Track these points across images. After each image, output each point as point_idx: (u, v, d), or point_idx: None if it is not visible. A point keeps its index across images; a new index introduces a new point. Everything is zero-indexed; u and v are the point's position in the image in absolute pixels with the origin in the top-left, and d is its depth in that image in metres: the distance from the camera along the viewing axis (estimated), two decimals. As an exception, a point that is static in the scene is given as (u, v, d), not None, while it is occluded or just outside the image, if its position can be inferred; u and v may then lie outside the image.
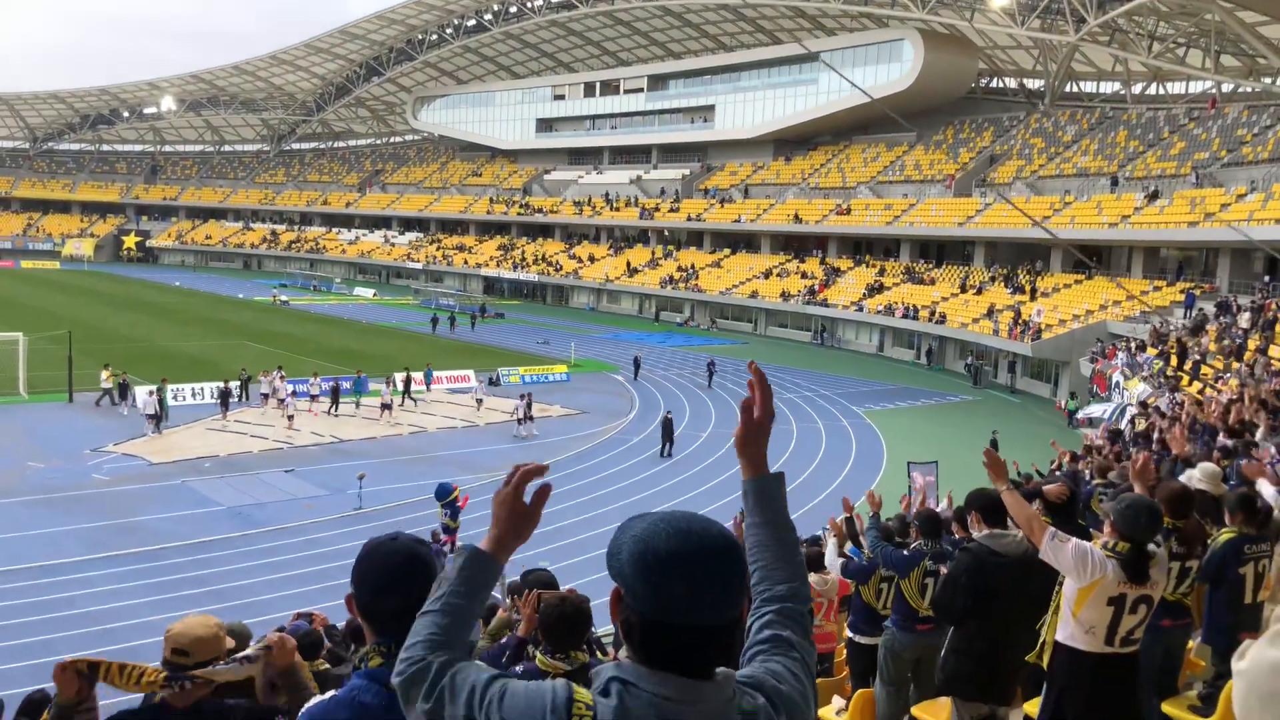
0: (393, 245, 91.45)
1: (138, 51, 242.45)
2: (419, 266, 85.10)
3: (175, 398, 33.15)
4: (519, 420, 31.66)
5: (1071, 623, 4.52)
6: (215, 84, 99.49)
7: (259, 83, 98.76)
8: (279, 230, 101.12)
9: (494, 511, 1.96)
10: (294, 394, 32.29)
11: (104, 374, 33.56)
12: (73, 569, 18.56)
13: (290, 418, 31.07)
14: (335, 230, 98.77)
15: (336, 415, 33.15)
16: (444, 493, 19.85)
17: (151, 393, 30.08)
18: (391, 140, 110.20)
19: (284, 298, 70.67)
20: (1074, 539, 4.52)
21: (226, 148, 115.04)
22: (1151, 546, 4.55)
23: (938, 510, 13.74)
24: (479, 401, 35.37)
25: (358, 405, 34.32)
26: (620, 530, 1.72)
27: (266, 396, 33.12)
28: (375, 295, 77.48)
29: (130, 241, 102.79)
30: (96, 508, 22.30)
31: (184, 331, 51.05)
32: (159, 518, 21.86)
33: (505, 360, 44.98)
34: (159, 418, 29.69)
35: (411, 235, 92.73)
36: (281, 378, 32.94)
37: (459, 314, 61.92)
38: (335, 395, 33.82)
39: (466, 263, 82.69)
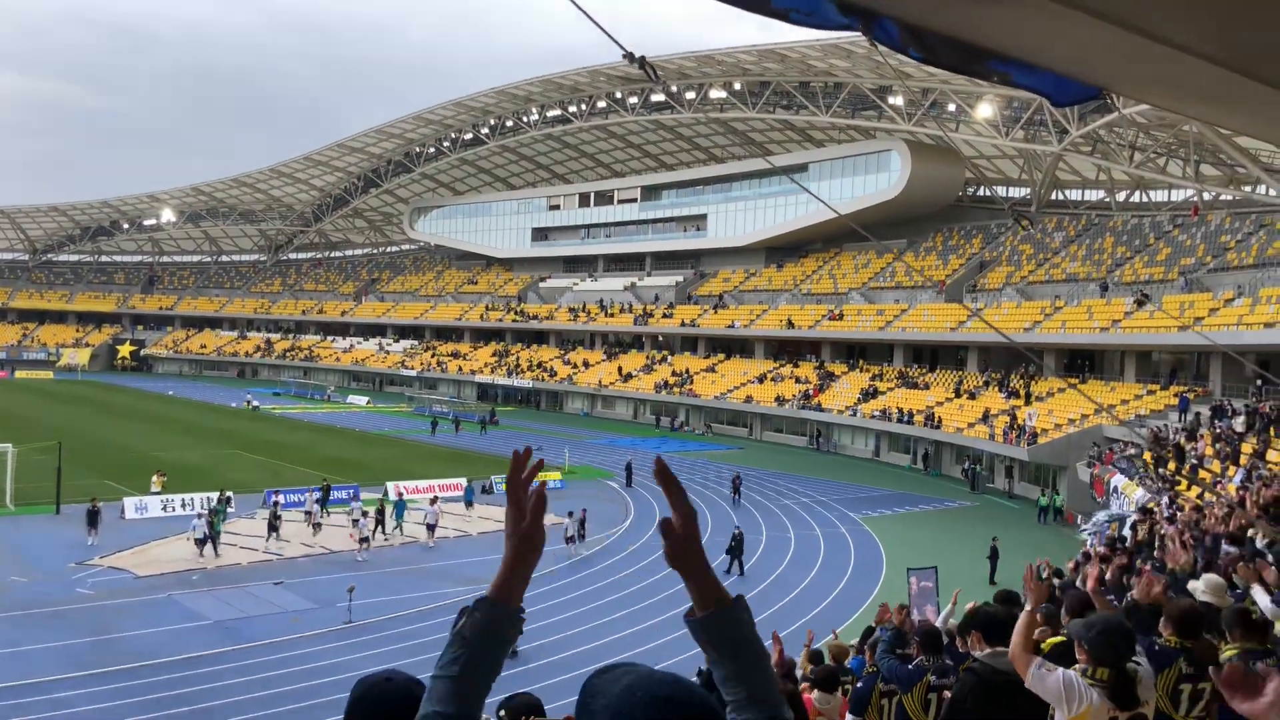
0: (387, 353, 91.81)
1: (136, 164, 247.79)
2: (413, 374, 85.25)
3: (165, 508, 32.77)
4: (569, 539, 29.38)
5: None
6: (215, 196, 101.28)
7: (258, 194, 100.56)
8: (273, 339, 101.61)
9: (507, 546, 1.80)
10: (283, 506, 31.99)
11: (154, 478, 35.10)
12: (52, 688, 17.97)
13: (317, 525, 30.99)
14: (330, 338, 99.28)
15: (320, 526, 32.42)
16: None
17: (200, 515, 28.70)
18: (388, 250, 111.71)
19: (255, 403, 71.11)
20: (1061, 669, 4.35)
21: (224, 258, 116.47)
22: (1132, 666, 4.38)
23: (938, 619, 13.43)
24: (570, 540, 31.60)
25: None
26: (590, 692, 1.54)
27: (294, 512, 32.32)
28: (369, 403, 77.36)
29: (125, 351, 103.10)
30: (79, 623, 21.74)
31: (177, 441, 50.72)
32: (144, 633, 21.29)
33: (498, 467, 44.64)
34: (207, 540, 27.87)
35: (406, 343, 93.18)
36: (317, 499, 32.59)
37: (463, 421, 63.46)
38: (324, 502, 33.37)
39: (461, 369, 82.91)
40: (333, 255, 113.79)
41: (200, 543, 27.70)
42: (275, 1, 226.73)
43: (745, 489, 40.43)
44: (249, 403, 71.40)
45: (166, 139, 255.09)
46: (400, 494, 35.28)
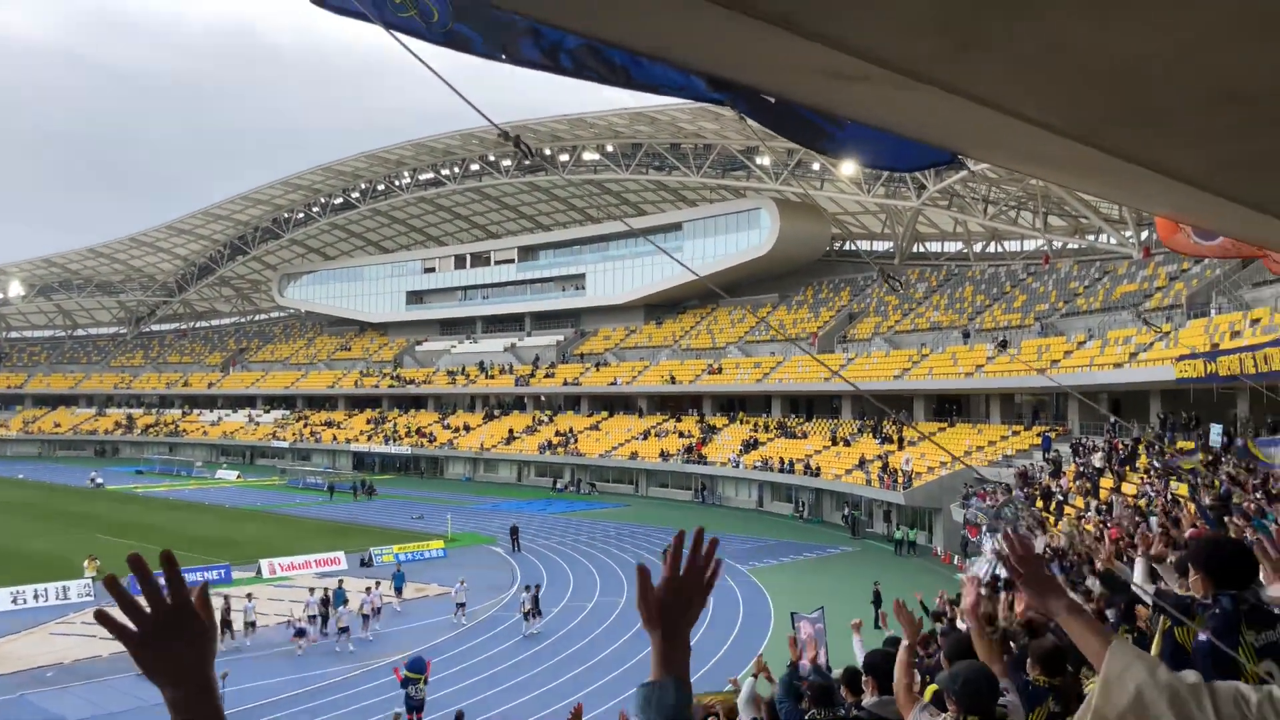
0: (257, 424, 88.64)
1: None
2: (285, 445, 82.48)
3: (15, 601, 30.65)
4: (525, 614, 28.05)
5: None
6: (68, 267, 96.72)
7: (116, 265, 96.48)
8: (135, 414, 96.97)
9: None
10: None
11: (86, 564, 33.01)
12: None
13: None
14: (197, 411, 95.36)
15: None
16: (419, 667, 20.08)
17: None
18: (257, 318, 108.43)
19: (99, 480, 68.07)
20: (943, 714, 4.46)
21: (79, 331, 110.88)
22: (1000, 709, 4.51)
23: (826, 667, 13.51)
24: (460, 607, 29.98)
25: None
26: None
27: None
28: (239, 477, 74.36)
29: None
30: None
31: (30, 528, 47.60)
32: (-8, 739, 19.74)
33: (377, 539, 43.38)
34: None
35: (277, 413, 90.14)
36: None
37: (337, 490, 62.80)
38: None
39: (336, 438, 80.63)
40: (198, 325, 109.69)
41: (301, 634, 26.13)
42: (133, 65, 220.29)
43: (634, 546, 40.33)
44: (94, 480, 67.97)
45: (13, 208, 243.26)
46: (274, 570, 33.84)
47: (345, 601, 28.10)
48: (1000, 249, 61.28)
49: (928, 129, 3.07)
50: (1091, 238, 52.38)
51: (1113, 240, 50.65)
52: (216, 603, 27.50)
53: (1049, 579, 2.12)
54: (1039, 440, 42.63)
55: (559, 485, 65.81)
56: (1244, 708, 1.64)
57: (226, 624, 26.67)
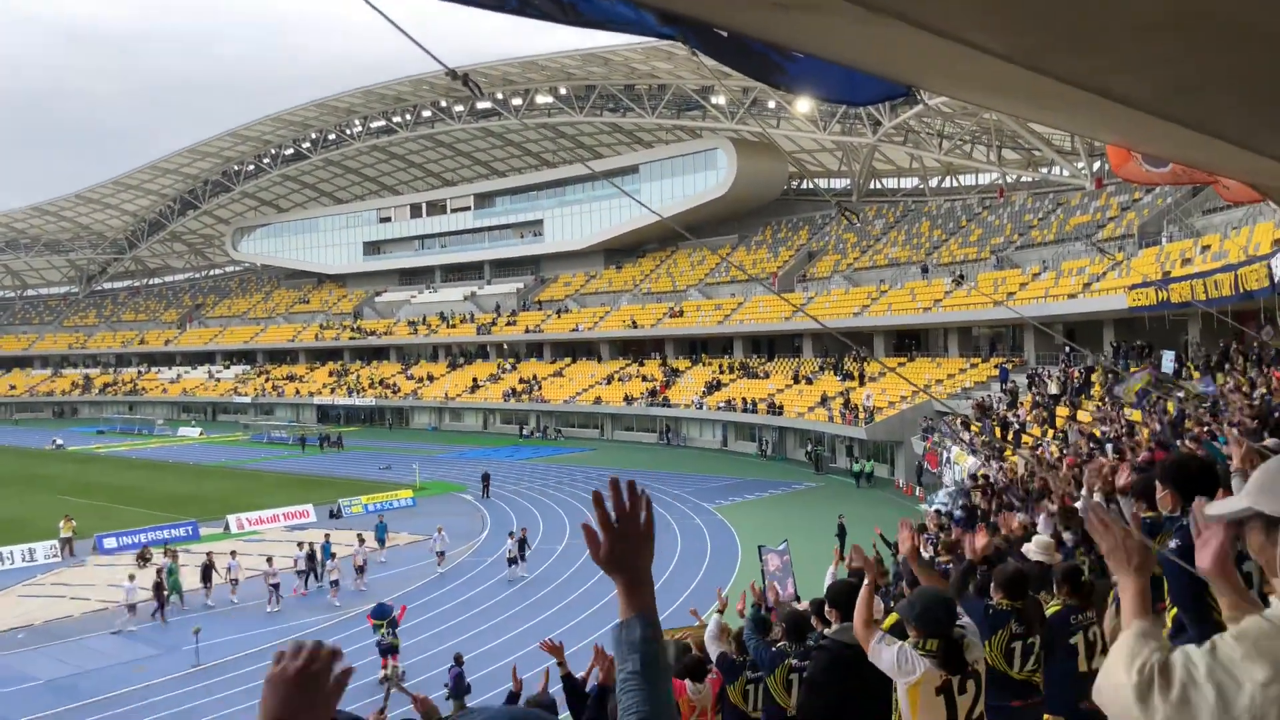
0: (218, 380, 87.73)
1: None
2: (247, 400, 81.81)
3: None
4: (510, 560, 28.16)
5: None
6: (14, 226, 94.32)
7: (64, 223, 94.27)
8: (92, 374, 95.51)
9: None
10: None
11: (62, 524, 32.77)
12: None
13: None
14: (155, 369, 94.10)
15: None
16: (384, 613, 20.35)
17: (158, 571, 26.06)
18: (212, 273, 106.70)
19: (60, 442, 67.58)
20: (899, 642, 4.62)
21: (30, 292, 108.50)
22: (958, 632, 4.68)
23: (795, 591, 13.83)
24: (440, 555, 29.88)
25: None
26: None
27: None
28: (202, 434, 73.75)
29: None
30: (-111, 699, 19.93)
31: (-12, 491, 47.04)
32: (-35, 702, 19.70)
33: (346, 489, 43.39)
34: (162, 605, 25.24)
35: (238, 369, 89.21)
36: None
37: (308, 444, 63.39)
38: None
39: (299, 392, 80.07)
40: (152, 283, 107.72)
41: (132, 609, 24.75)
42: (70, 20, 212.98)
43: (602, 488, 40.56)
44: (55, 443, 67.40)
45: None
46: (243, 525, 33.78)
47: (333, 555, 28.11)
48: (956, 184, 61.61)
49: (879, 60, 3.13)
50: (1045, 170, 52.79)
51: (1065, 172, 51.10)
52: (198, 559, 27.39)
53: (1137, 547, 2.19)
54: (996, 372, 43.34)
55: (525, 431, 66.01)
56: (1194, 673, 1.68)
57: (206, 579, 26.63)
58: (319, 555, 28.30)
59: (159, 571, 26.23)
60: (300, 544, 28.79)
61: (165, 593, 25.48)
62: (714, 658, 8.02)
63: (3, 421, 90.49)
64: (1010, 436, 31.03)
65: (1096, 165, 47.41)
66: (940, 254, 53.75)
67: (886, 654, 4.60)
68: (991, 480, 21.00)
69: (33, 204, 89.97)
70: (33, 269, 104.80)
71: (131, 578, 25.90)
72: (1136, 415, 23.25)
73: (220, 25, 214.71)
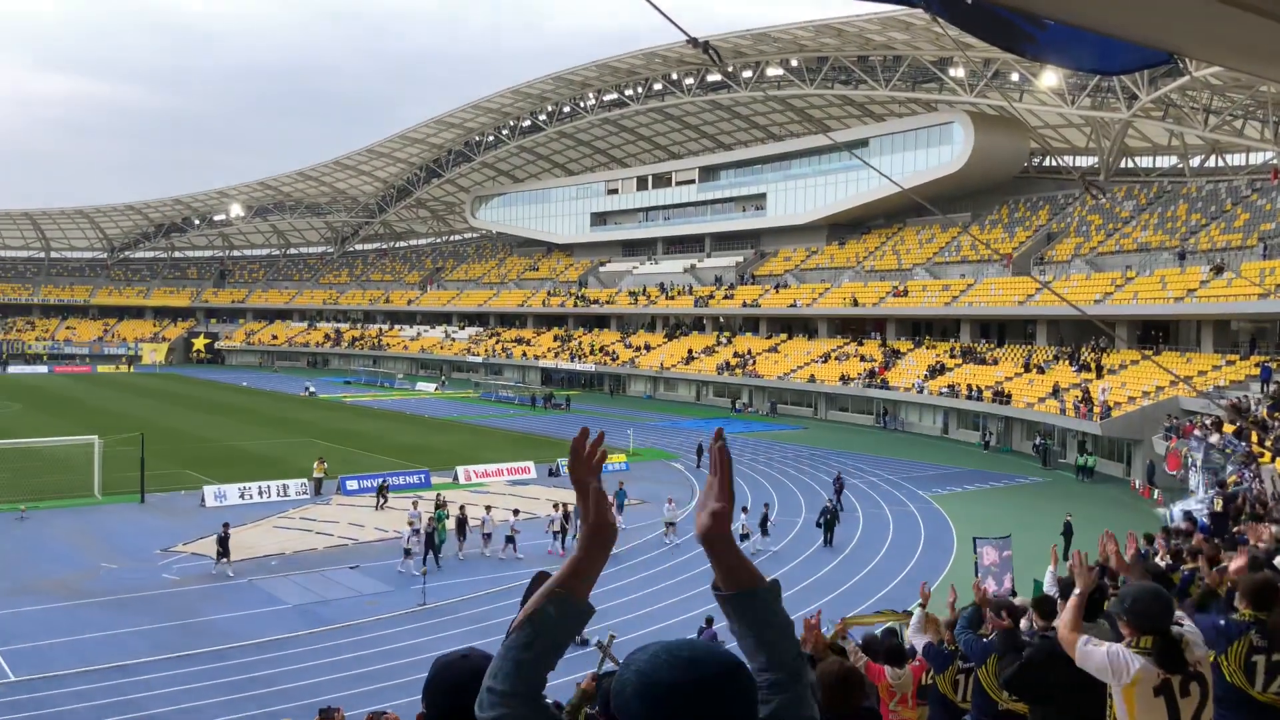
0: (453, 340, 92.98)
1: (202, 162, 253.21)
2: (479, 360, 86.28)
3: (243, 496, 33.69)
4: (743, 535, 27.24)
5: None
6: (281, 190, 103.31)
7: (323, 187, 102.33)
8: (342, 329, 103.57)
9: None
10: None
11: (315, 465, 36.07)
12: (141, 670, 18.66)
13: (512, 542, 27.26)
14: (397, 327, 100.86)
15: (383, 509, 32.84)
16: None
17: (414, 527, 26.54)
18: (451, 239, 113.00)
19: (312, 389, 73.94)
20: (1107, 643, 4.35)
21: (292, 250, 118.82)
22: (1176, 629, 4.34)
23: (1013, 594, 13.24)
24: (669, 525, 29.94)
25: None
26: (623, 667, 1.67)
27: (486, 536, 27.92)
28: (437, 389, 78.57)
29: (200, 344, 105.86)
30: (165, 608, 22.49)
31: (253, 430, 52.04)
32: (227, 617, 21.98)
33: (565, 451, 44.95)
34: (429, 552, 26.05)
35: (471, 330, 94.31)
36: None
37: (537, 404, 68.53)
38: (383, 490, 33.60)
39: (525, 355, 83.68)
40: (397, 245, 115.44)
41: (408, 554, 25.85)
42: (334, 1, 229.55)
43: (812, 468, 40.20)
44: (307, 390, 73.81)
45: (229, 136, 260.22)
46: (470, 477, 35.68)
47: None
48: (1221, 163, 56.39)
49: (1140, 25, 2.90)
50: (1331, 149, 47.41)
51: (1356, 152, 45.72)
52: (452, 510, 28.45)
53: None
54: (1257, 370, 39.56)
55: (738, 405, 66.18)
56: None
57: (461, 532, 27.60)
58: (573, 516, 27.96)
59: (430, 520, 27.24)
60: (556, 505, 29.19)
61: (438, 541, 26.73)
62: (918, 648, 7.90)
63: (265, 368, 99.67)
64: (1270, 442, 28.30)
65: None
66: (1198, 240, 49.44)
67: (1096, 654, 4.36)
68: (1243, 487, 19.28)
69: (297, 169, 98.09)
70: (295, 229, 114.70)
71: (411, 524, 26.72)
72: None
73: (464, 3, 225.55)
